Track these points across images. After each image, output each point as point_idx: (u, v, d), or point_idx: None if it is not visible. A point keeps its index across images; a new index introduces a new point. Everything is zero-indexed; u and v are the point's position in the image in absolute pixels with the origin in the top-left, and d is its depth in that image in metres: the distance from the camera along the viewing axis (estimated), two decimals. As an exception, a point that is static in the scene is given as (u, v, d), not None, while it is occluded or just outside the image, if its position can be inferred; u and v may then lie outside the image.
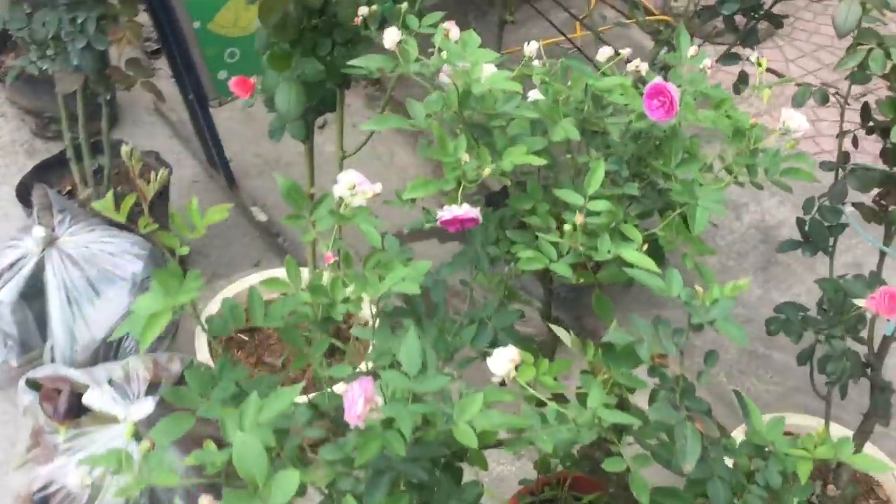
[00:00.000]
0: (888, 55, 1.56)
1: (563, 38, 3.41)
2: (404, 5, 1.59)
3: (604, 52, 1.60)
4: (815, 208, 1.81)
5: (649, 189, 1.37)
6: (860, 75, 1.61)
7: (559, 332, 1.24)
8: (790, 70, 3.38)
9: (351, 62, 1.28)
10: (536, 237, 1.32)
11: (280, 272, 2.43)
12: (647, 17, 3.33)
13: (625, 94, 1.38)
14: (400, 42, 1.22)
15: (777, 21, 2.09)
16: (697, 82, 1.30)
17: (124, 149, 1.12)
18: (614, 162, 1.30)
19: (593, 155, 1.33)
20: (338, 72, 1.75)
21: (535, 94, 1.43)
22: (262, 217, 2.87)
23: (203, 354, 2.09)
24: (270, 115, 1.90)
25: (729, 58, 2.09)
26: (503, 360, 0.99)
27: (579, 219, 1.12)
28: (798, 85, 1.93)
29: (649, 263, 1.09)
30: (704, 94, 1.29)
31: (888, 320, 1.72)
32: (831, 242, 1.84)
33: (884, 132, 1.78)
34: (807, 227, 1.82)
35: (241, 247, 2.82)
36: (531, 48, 1.48)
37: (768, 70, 1.88)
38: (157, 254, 2.08)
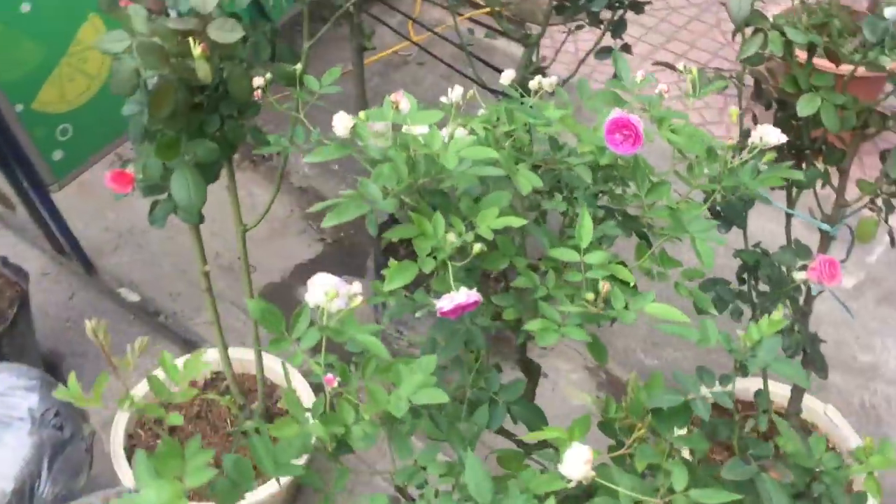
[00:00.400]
0: (783, 35, 1.60)
1: (397, 48, 3.32)
2: (298, 66, 1.46)
3: (507, 76, 1.53)
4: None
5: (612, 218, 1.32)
6: (756, 58, 1.65)
7: (578, 394, 1.18)
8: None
9: (308, 159, 1.14)
10: (520, 295, 1.25)
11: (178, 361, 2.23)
12: (474, 11, 3.31)
13: (564, 124, 1.32)
14: (353, 126, 1.10)
15: (639, 8, 2.10)
16: (654, 106, 1.26)
17: (89, 325, 0.93)
18: (585, 199, 1.24)
19: (558, 198, 1.26)
20: (229, 145, 1.59)
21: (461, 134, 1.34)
22: (133, 297, 2.62)
23: (128, 481, 1.87)
24: (147, 199, 1.70)
25: (603, 52, 2.09)
26: (579, 464, 0.91)
27: (605, 287, 1.05)
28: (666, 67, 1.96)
29: (677, 314, 1.04)
30: (661, 117, 1.25)
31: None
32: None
33: (780, 104, 1.84)
34: (717, 206, 1.85)
35: (119, 335, 2.55)
36: (456, 94, 1.39)
37: (661, 64, 1.88)
38: (50, 381, 1.83)
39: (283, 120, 1.85)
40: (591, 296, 1.05)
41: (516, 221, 1.16)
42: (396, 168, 1.16)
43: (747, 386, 2.28)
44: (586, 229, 1.13)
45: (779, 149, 1.92)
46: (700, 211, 1.21)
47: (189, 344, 2.49)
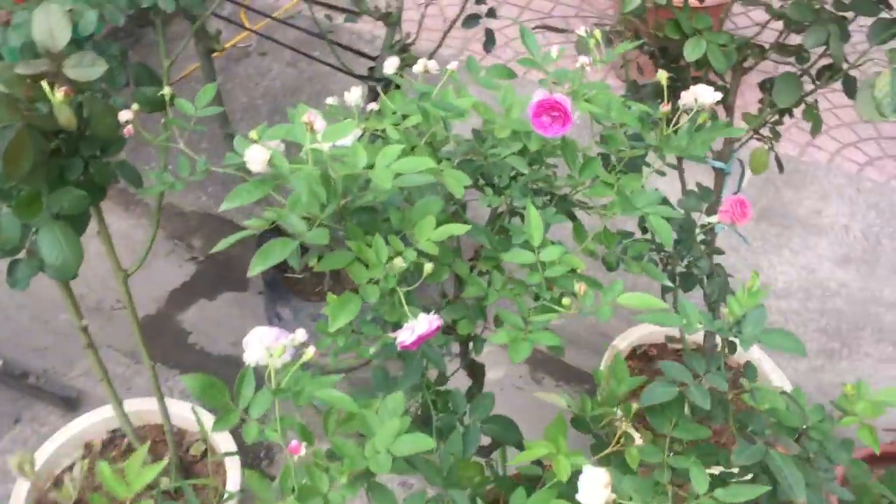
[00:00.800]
0: (666, -14, 1.56)
1: (235, 40, 3.10)
2: (167, 89, 1.29)
3: (391, 64, 1.42)
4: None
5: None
6: (640, 9, 1.61)
7: (551, 397, 1.10)
8: None
9: (226, 205, 0.98)
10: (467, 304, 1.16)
11: (75, 426, 1.98)
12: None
13: (478, 111, 1.23)
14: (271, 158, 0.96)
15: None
16: (575, 80, 1.18)
17: (14, 460, 0.77)
18: (521, 192, 1.16)
19: (488, 192, 1.17)
20: (98, 188, 1.40)
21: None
22: (-7, 363, 2.34)
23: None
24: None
25: (470, 20, 2.00)
26: (598, 489, 0.84)
27: (581, 288, 0.97)
28: (538, 28, 1.90)
29: (653, 302, 0.98)
30: (581, 92, 1.17)
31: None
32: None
33: (661, 51, 1.81)
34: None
35: (-15, 407, 2.28)
36: (354, 96, 1.27)
37: (545, 28, 1.81)
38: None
39: (141, 145, 1.66)
40: (567, 301, 0.96)
41: (458, 229, 1.06)
42: (315, 192, 1.03)
43: (655, 329, 2.29)
44: (536, 226, 1.05)
45: (659, 93, 1.93)
46: (639, 183, 1.15)
47: (70, 402, 2.25)
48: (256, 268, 1.01)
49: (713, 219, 1.63)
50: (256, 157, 0.93)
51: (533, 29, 1.83)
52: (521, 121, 1.20)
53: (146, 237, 2.80)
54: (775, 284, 2.63)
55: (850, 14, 1.65)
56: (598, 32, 1.28)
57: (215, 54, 2.10)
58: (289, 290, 2.31)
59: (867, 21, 1.65)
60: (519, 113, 1.23)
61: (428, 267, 1.01)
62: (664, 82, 1.15)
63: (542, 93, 1.11)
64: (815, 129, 1.86)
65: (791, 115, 1.87)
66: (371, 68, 2.22)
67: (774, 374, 2.28)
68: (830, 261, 2.66)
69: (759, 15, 3.34)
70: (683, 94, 1.10)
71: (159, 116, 1.47)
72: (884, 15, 1.62)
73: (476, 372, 1.43)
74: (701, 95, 1.09)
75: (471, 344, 1.22)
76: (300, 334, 1.00)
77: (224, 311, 2.59)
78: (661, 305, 0.98)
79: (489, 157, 1.15)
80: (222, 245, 1.09)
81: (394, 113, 1.27)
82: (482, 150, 1.16)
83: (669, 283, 1.18)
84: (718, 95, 1.10)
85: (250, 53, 3.03)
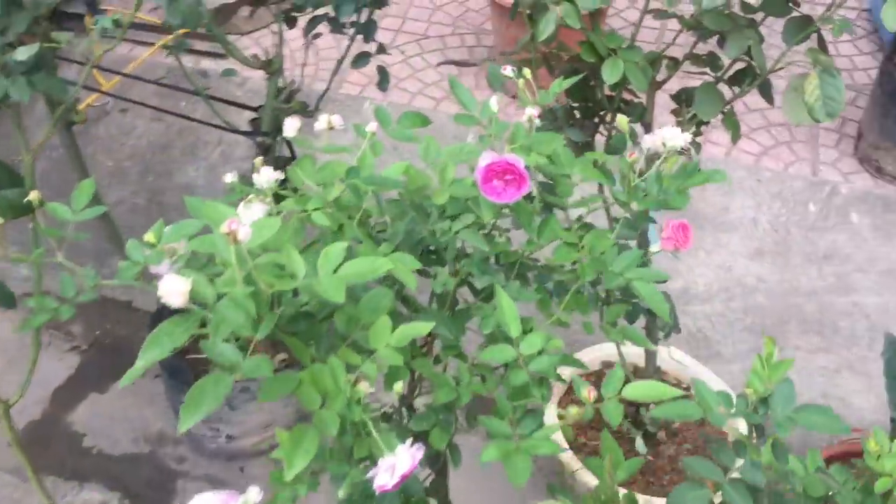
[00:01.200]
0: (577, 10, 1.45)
1: (90, 100, 2.81)
2: (34, 194, 1.07)
3: (292, 126, 1.25)
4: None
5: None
6: (552, 37, 1.49)
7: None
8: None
9: (143, 361, 0.78)
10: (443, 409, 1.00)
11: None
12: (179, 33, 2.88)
13: (408, 175, 1.07)
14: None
15: (382, 2, 1.86)
16: (519, 136, 1.03)
17: None
18: (481, 269, 1.00)
19: (443, 274, 1.01)
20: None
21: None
22: None
23: None
24: None
25: (360, 59, 1.83)
26: None
27: (591, 394, 0.82)
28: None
29: (665, 391, 0.84)
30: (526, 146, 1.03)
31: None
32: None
33: (572, 72, 1.70)
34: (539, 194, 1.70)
35: None
36: (265, 177, 1.08)
37: (451, 63, 1.66)
38: None
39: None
40: (575, 410, 0.82)
41: (422, 329, 0.90)
42: (247, 310, 0.84)
43: (597, 355, 2.18)
44: (512, 316, 0.89)
45: (570, 115, 1.82)
46: (608, 242, 1.02)
47: (-45, 542, 1.95)
48: (186, 422, 0.81)
49: (655, 247, 1.53)
50: (175, 289, 0.74)
51: (437, 66, 1.68)
52: (459, 184, 1.05)
53: (12, 328, 2.49)
54: (696, 288, 2.58)
55: (758, 16, 1.59)
56: (527, 71, 1.15)
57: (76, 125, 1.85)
58: (194, 374, 2.07)
59: (771, 21, 1.59)
60: (454, 171, 1.08)
61: (398, 387, 0.84)
62: (625, 128, 1.02)
63: (491, 155, 0.96)
64: (735, 137, 1.79)
65: (708, 124, 1.80)
66: (254, 119, 2.02)
67: (713, 382, 2.22)
68: (744, 256, 2.63)
69: (634, 14, 3.31)
70: (647, 137, 0.97)
71: (25, 219, 1.25)
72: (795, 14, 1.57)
73: (441, 468, 1.27)
74: (670, 139, 0.96)
75: (444, 451, 1.05)
76: (253, 494, 0.81)
77: (119, 403, 2.31)
78: (675, 393, 0.84)
79: (444, 234, 0.98)
80: (128, 379, 0.89)
81: (300, 187, 1.10)
82: (426, 225, 0.99)
83: (652, 347, 1.05)
84: (689, 137, 0.98)
85: (109, 111, 2.74)
